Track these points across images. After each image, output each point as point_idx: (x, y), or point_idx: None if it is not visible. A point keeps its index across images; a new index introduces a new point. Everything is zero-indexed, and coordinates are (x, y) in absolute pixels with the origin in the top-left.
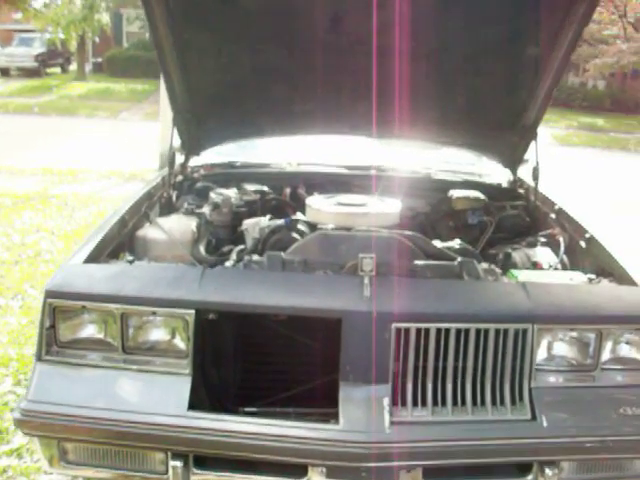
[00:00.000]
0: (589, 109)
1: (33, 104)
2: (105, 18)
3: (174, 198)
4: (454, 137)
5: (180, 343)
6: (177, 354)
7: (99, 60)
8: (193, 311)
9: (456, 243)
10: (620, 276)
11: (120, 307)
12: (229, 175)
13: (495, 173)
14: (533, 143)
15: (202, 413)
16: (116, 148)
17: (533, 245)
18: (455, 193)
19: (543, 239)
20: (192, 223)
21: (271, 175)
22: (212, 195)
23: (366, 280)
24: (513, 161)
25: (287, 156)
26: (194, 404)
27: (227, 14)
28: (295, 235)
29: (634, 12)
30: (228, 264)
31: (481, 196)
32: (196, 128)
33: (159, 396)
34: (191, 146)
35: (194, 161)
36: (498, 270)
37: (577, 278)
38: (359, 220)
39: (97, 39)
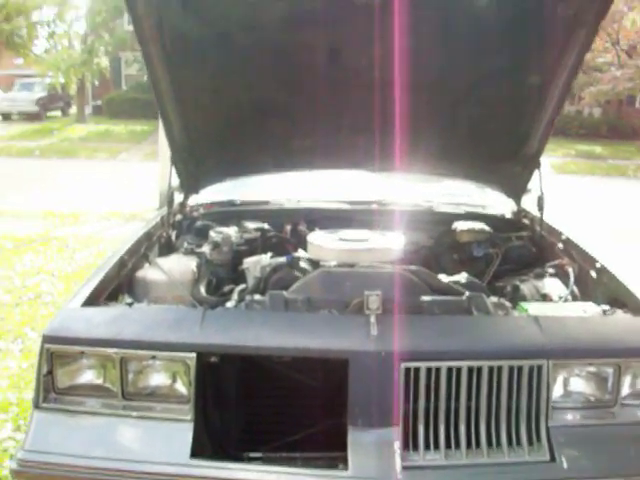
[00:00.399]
0: (586, 137)
1: (34, 147)
2: (104, 62)
3: (173, 238)
4: (456, 169)
5: (181, 388)
6: (178, 399)
7: (99, 103)
8: (194, 354)
9: (463, 277)
10: (635, 306)
11: (119, 352)
12: (229, 213)
13: (498, 204)
14: (536, 172)
15: (205, 461)
16: (116, 189)
17: (541, 276)
18: (459, 225)
19: (551, 270)
20: (192, 263)
21: (271, 212)
22: (212, 234)
23: (372, 319)
24: (516, 191)
25: (287, 193)
26: (196, 451)
27: (223, 51)
28: (297, 273)
29: (627, 40)
30: (229, 304)
31: (486, 228)
32: (194, 167)
33: (161, 444)
34: (190, 185)
35: (193, 200)
36: (508, 304)
37: (590, 310)
38: (362, 256)
39: (96, 82)
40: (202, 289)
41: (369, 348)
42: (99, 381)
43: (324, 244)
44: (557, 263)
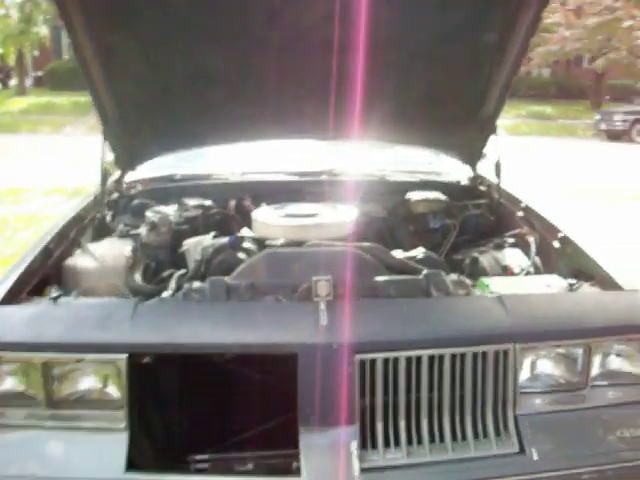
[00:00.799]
0: (535, 97)
1: None
2: (43, 31)
3: (109, 219)
4: (411, 135)
5: (113, 392)
6: (110, 405)
7: (39, 74)
8: (125, 355)
9: (419, 252)
10: (601, 279)
11: (41, 356)
12: (168, 190)
13: (453, 171)
14: (492, 137)
15: (143, 474)
16: (60, 164)
17: (501, 247)
18: (413, 195)
19: (511, 240)
20: (127, 247)
21: (214, 187)
22: (149, 214)
23: (322, 306)
24: (472, 157)
25: (230, 166)
26: (135, 461)
27: (152, 14)
28: (241, 255)
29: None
30: (166, 294)
31: (442, 197)
32: (129, 140)
33: (92, 457)
34: (125, 160)
35: (130, 176)
36: (468, 281)
37: (555, 283)
38: (311, 232)
39: (36, 52)
40: (137, 276)
41: (318, 340)
42: (21, 388)
43: (270, 221)
44: (517, 232)
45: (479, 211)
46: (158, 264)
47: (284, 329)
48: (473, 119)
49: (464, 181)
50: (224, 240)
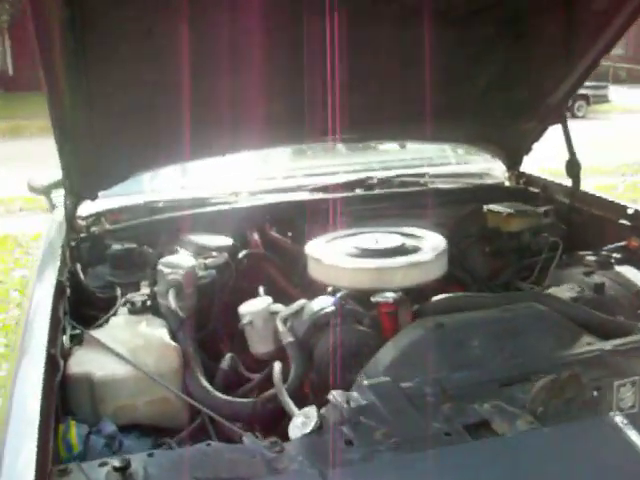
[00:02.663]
0: None
1: None
2: None
3: (81, 277)
4: (459, 130)
5: None
6: None
7: None
8: None
9: (568, 289)
10: None
11: None
12: (154, 224)
13: (493, 170)
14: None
15: None
16: None
17: (607, 266)
18: (494, 208)
19: (616, 255)
20: (160, 330)
21: (218, 215)
22: (162, 267)
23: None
24: (519, 152)
25: (219, 184)
26: None
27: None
28: (361, 327)
29: None
30: (299, 421)
31: (539, 209)
32: (95, 158)
33: None
34: (84, 186)
35: (87, 208)
36: None
37: None
38: (410, 275)
39: None
40: (202, 379)
41: None
42: None
43: (343, 262)
44: (624, 245)
45: (550, 220)
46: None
47: None
48: (538, 108)
49: (506, 182)
50: (323, 304)
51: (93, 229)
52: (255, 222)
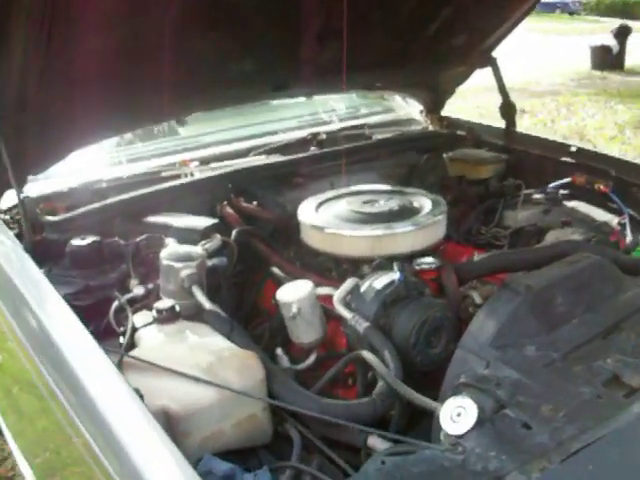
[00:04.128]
0: None
1: None
2: None
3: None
4: (401, 76)
5: None
6: None
7: None
8: None
9: (570, 233)
10: None
11: None
12: (108, 210)
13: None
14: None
15: None
16: None
17: (558, 203)
18: (455, 155)
19: (564, 191)
20: (215, 335)
21: (180, 190)
22: (170, 263)
23: None
24: (445, 96)
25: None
26: None
27: None
28: (434, 299)
29: None
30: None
31: (500, 155)
32: (39, 133)
33: None
34: (18, 167)
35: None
36: None
37: None
38: (415, 239)
39: None
40: (295, 384)
41: None
42: None
43: (347, 230)
44: (570, 181)
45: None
46: None
47: None
48: (471, 51)
49: (429, 126)
50: (385, 280)
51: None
52: (219, 194)
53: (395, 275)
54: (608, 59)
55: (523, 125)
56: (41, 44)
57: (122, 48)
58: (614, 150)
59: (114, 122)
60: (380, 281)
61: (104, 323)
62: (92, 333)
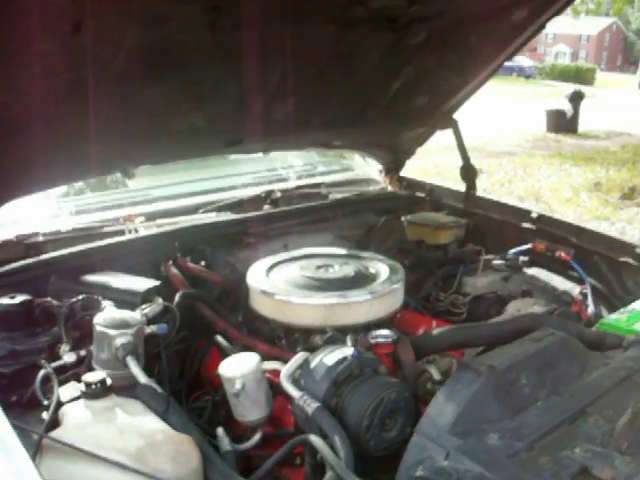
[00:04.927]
0: None
1: None
2: None
3: None
4: (358, 136)
5: None
6: None
7: None
8: None
9: (532, 304)
10: None
11: None
12: (42, 266)
13: (373, 174)
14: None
15: None
16: None
17: (518, 269)
18: (414, 219)
19: (524, 258)
20: (146, 414)
21: (121, 247)
22: (104, 329)
23: None
24: (404, 157)
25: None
26: None
27: None
28: (390, 377)
29: None
30: None
31: (460, 220)
32: None
33: None
34: None
35: None
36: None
37: None
38: (371, 308)
39: None
40: (233, 474)
41: None
42: None
43: (296, 298)
44: (530, 247)
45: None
46: None
47: None
48: (432, 113)
49: (388, 187)
50: (336, 357)
51: None
52: (164, 252)
53: (348, 350)
54: (562, 123)
55: (481, 185)
56: None
57: (65, 94)
58: (569, 212)
59: (55, 173)
60: (331, 357)
61: (29, 393)
62: (11, 406)
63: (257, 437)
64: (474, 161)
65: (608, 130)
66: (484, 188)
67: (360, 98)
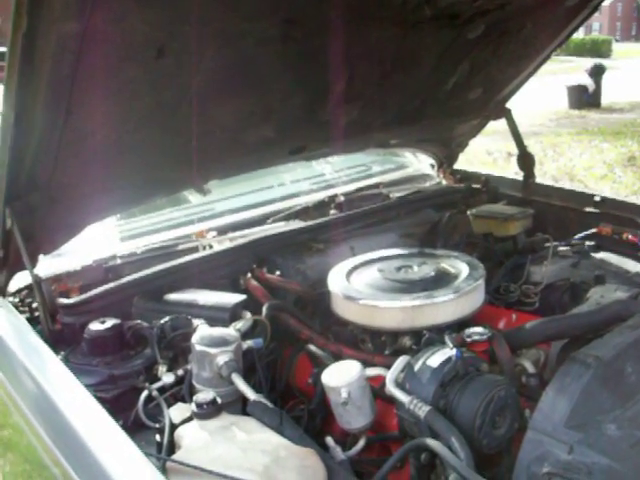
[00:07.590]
0: None
1: None
2: None
3: None
4: (417, 133)
5: None
6: None
7: None
8: None
9: (614, 290)
10: None
11: None
12: (126, 289)
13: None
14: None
15: None
16: None
17: (586, 255)
18: (480, 212)
19: (588, 242)
20: (264, 431)
21: (201, 263)
22: (203, 348)
23: None
24: (458, 150)
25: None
26: None
27: None
28: (496, 376)
29: None
30: None
31: (527, 210)
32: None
33: None
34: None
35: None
36: None
37: None
38: (456, 308)
39: None
40: None
41: None
42: None
43: (385, 302)
44: (596, 231)
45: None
46: None
47: None
48: (487, 105)
49: (443, 180)
50: (439, 358)
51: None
52: (241, 266)
53: (449, 351)
54: (584, 98)
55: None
56: (59, 117)
57: (145, 119)
58: (606, 189)
59: (130, 196)
60: (435, 359)
61: (132, 416)
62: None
63: (362, 443)
64: (499, 145)
65: (632, 102)
66: (515, 172)
67: (418, 96)
